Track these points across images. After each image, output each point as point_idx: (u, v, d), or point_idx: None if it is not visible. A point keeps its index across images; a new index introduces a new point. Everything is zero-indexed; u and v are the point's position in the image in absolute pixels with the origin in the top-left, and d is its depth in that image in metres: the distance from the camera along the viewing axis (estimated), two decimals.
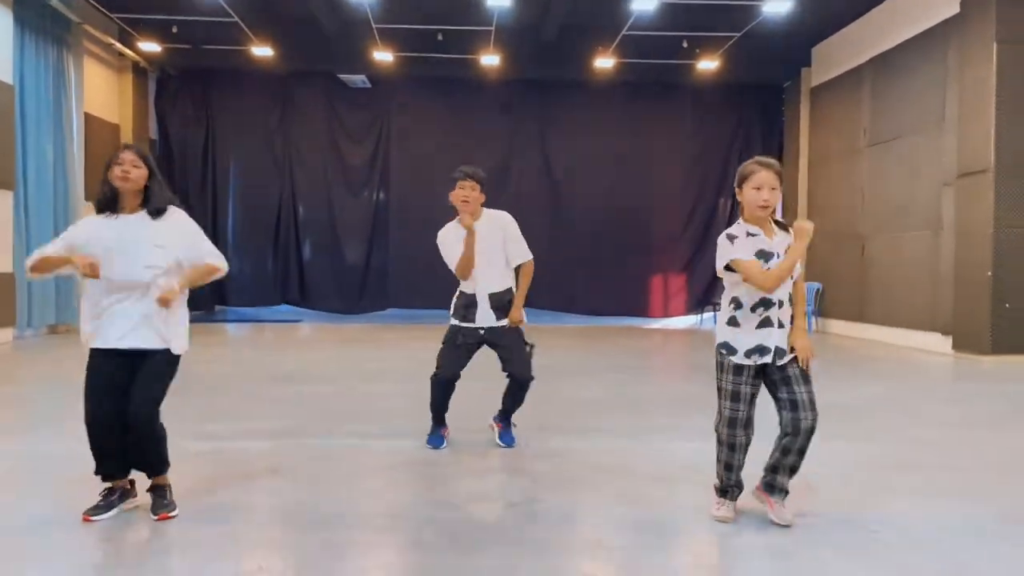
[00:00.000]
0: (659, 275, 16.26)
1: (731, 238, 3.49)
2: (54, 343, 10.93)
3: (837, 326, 13.70)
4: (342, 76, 15.37)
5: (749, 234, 3.48)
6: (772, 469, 3.60)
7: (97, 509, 3.52)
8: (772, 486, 3.60)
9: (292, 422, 5.70)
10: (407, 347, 10.91)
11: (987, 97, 9.87)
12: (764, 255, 3.46)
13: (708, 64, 14.36)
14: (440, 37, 13.33)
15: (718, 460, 3.64)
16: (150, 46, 13.80)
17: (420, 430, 5.10)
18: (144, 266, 3.50)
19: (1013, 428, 5.93)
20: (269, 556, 3.21)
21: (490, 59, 14.16)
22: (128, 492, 3.66)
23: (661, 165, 16.18)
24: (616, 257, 15.96)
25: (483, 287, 4.85)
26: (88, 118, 12.96)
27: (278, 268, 16.12)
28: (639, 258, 16.06)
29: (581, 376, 8.32)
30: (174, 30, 13.21)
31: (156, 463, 3.60)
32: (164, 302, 3.49)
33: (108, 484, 3.61)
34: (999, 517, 3.71)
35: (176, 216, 3.65)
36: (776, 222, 3.55)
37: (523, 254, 4.92)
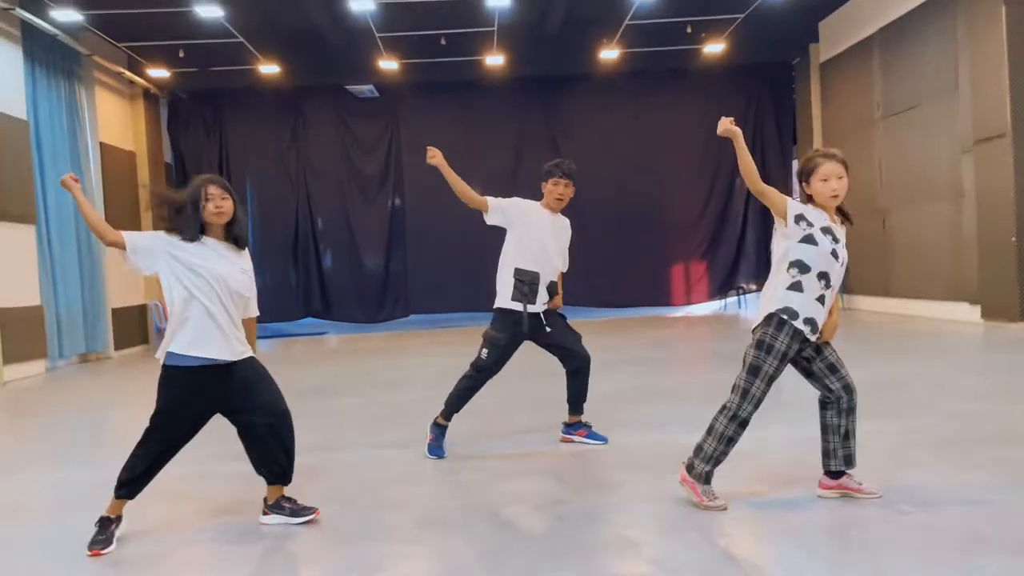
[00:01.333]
0: (679, 263, 16.17)
1: (800, 203, 3.55)
2: (86, 372, 11.11)
3: (863, 302, 13.56)
4: (350, 87, 15.47)
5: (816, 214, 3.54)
6: (844, 442, 3.61)
7: (103, 543, 3.47)
8: (850, 459, 3.63)
9: (320, 436, 5.76)
10: (431, 352, 10.95)
11: (999, 60, 9.72)
12: (830, 232, 3.50)
13: (714, 47, 14.26)
14: (443, 41, 13.35)
15: (713, 453, 3.57)
16: (159, 72, 13.97)
17: (452, 435, 5.11)
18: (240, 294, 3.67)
19: None
20: (309, 571, 3.24)
21: (494, 59, 14.17)
22: (120, 519, 3.62)
23: (674, 152, 16.10)
24: (634, 248, 15.90)
25: (546, 275, 4.88)
26: (104, 147, 13.15)
27: (300, 282, 16.27)
28: (657, 247, 16.00)
29: (615, 366, 8.32)
30: (181, 55, 13.36)
31: (290, 466, 3.73)
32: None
33: (110, 514, 3.55)
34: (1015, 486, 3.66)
35: (246, 251, 3.80)
36: (839, 210, 3.60)
37: (567, 263, 5.14)
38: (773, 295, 3.54)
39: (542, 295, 4.81)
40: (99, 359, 12.42)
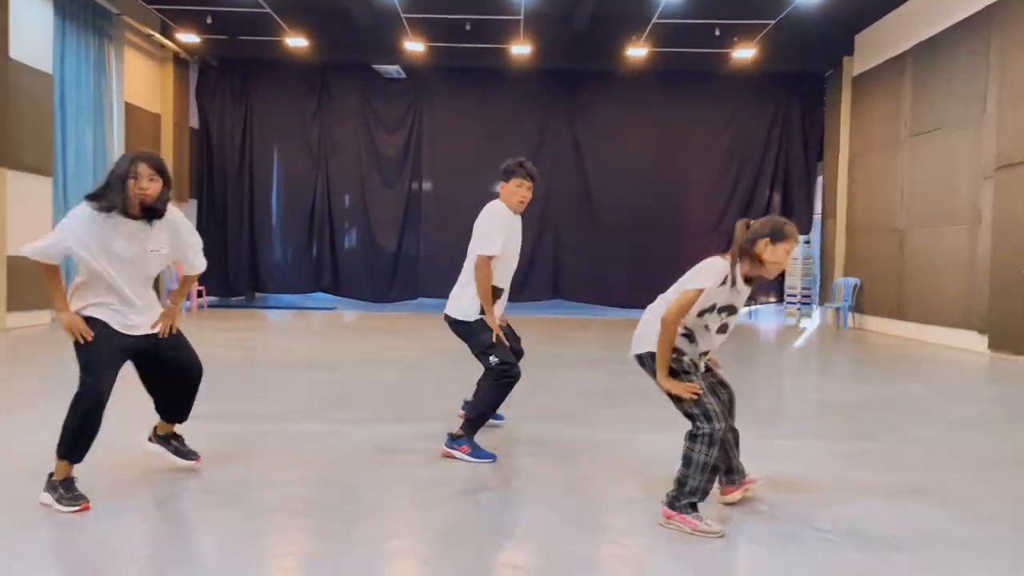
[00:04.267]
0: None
1: (722, 277, 3.38)
2: None
3: (875, 323, 13.29)
4: (376, 67, 15.49)
5: (736, 284, 3.42)
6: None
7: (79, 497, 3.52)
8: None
9: (282, 407, 5.79)
10: (427, 336, 10.97)
11: None
12: (729, 310, 3.47)
13: (744, 53, 14.04)
14: (468, 27, 13.31)
15: (699, 486, 3.37)
16: (189, 37, 14.13)
17: (407, 418, 5.11)
18: (147, 277, 3.75)
19: (1016, 431, 5.67)
20: (282, 544, 3.26)
21: (520, 49, 14.10)
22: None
23: (696, 156, 15.90)
24: (649, 249, 15.75)
25: (506, 282, 4.73)
26: (129, 107, 13.34)
27: (313, 256, 16.38)
28: (671, 251, 15.79)
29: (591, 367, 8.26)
30: (208, 21, 13.48)
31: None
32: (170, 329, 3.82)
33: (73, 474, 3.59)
34: (967, 519, 3.55)
35: (168, 215, 3.73)
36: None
37: None
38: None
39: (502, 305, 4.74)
40: None
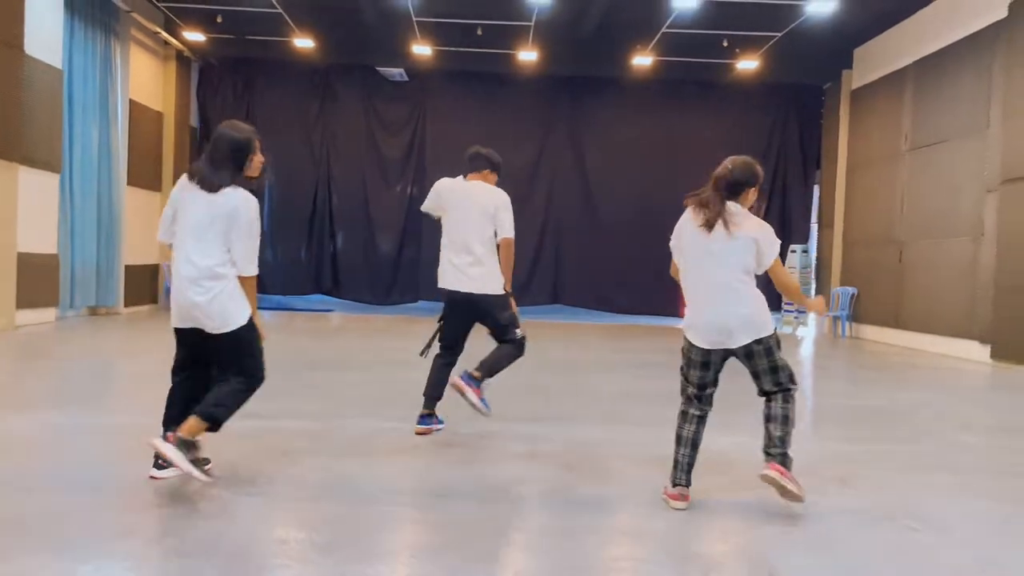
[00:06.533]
0: None
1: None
2: (96, 324, 11.17)
3: (872, 332, 13.54)
4: (380, 69, 15.49)
5: None
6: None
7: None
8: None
9: (321, 405, 5.80)
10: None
11: None
12: None
13: (748, 64, 14.25)
14: (480, 32, 13.37)
15: (790, 439, 3.63)
16: (195, 35, 14.03)
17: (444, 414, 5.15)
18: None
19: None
20: (298, 527, 3.28)
21: (528, 55, 14.19)
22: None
23: (696, 164, 15.73)
24: (649, 255, 15.85)
25: None
26: (133, 105, 13.21)
27: (312, 257, 16.31)
28: (670, 257, 15.96)
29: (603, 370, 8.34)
30: (218, 20, 13.39)
31: None
32: None
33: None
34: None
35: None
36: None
37: None
38: (764, 305, 3.74)
39: None
40: (108, 313, 12.48)
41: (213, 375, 3.77)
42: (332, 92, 16.14)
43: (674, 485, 3.63)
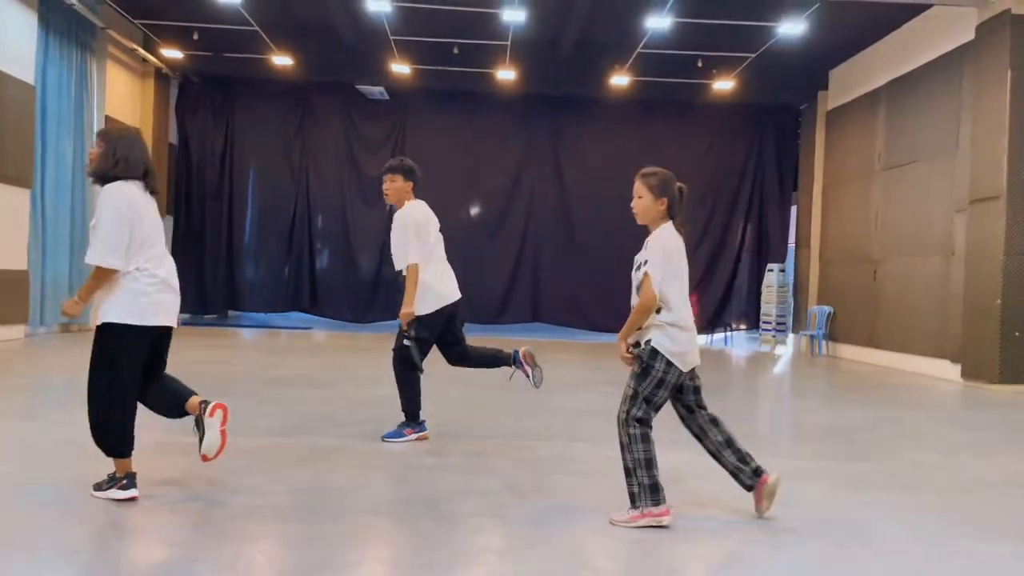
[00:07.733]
0: None
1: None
2: (66, 341, 11.08)
3: (847, 351, 13.56)
4: (360, 87, 15.54)
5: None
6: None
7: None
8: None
9: (279, 421, 5.75)
10: None
11: (1000, 124, 9.79)
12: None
13: (724, 84, 14.37)
14: (456, 51, 13.44)
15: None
16: (173, 53, 14.05)
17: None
18: None
19: (998, 454, 5.84)
20: (245, 546, 3.23)
21: (506, 74, 14.27)
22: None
23: None
24: (628, 274, 15.91)
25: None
26: (109, 121, 13.18)
27: (291, 275, 16.26)
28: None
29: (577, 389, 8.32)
30: (195, 37, 13.43)
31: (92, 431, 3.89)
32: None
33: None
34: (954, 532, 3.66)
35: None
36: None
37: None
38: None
39: None
40: (80, 330, 12.39)
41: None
42: (311, 109, 16.18)
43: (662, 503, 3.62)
